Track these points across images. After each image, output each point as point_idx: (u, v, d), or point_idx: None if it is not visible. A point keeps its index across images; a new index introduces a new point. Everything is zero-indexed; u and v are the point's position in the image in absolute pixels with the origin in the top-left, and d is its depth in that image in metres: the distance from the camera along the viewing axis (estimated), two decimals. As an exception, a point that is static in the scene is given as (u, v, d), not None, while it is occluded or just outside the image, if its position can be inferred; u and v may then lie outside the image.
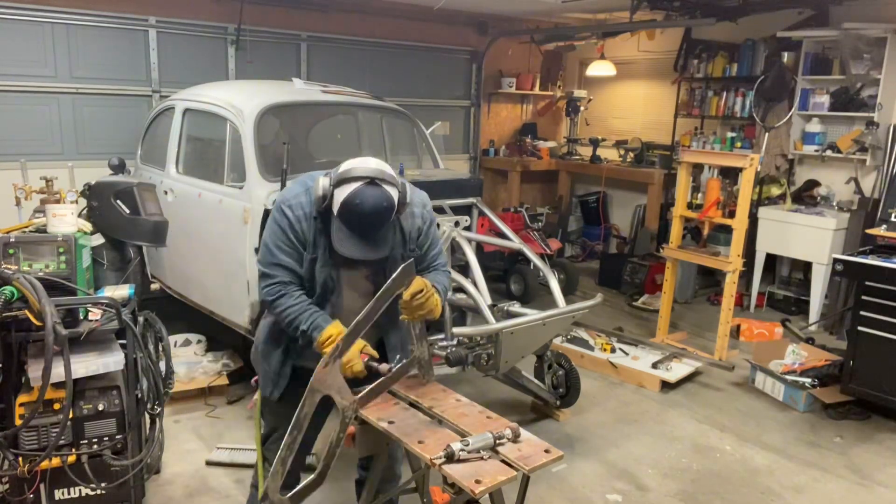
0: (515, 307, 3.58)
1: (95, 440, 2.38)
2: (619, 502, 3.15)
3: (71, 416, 2.28)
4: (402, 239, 2.24)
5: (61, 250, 2.33)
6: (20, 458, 2.24)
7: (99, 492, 2.41)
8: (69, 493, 2.40)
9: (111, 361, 2.36)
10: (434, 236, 2.35)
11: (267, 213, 3.49)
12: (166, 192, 4.17)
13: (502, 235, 4.28)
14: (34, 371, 2.21)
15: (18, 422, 2.24)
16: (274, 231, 2.19)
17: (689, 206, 5.04)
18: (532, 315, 3.35)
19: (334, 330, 2.09)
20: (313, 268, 2.18)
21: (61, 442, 2.29)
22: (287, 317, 2.15)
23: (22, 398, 2.28)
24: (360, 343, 2.07)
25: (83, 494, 2.41)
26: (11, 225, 2.64)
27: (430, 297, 2.08)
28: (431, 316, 2.11)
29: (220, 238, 3.78)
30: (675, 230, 5.06)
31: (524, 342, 3.32)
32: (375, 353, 2.11)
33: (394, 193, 2.06)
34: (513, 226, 5.51)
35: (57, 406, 2.29)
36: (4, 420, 2.29)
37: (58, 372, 2.12)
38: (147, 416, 2.60)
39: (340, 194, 2.03)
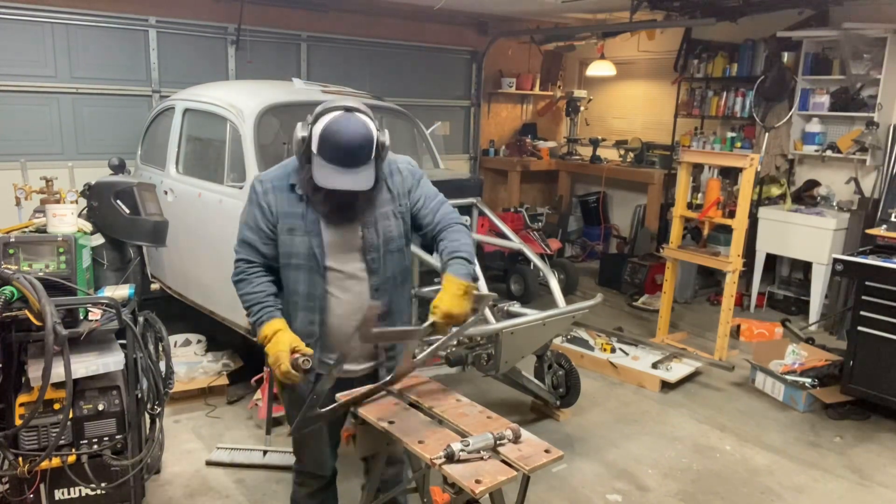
0: (515, 307, 3.58)
1: (95, 440, 2.38)
2: (619, 502, 3.15)
3: (71, 416, 2.28)
4: (391, 196, 2.19)
5: (61, 250, 2.33)
6: (20, 458, 2.24)
7: (99, 492, 2.40)
8: (69, 493, 2.40)
9: (111, 361, 2.36)
10: (428, 189, 2.27)
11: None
12: (166, 192, 4.17)
13: (502, 235, 4.28)
14: (34, 371, 2.21)
15: (18, 422, 2.24)
16: (244, 209, 2.20)
17: (689, 206, 5.04)
18: (532, 315, 3.35)
19: (268, 330, 2.05)
20: (292, 239, 2.12)
21: (61, 442, 2.29)
22: (244, 304, 2.14)
23: (22, 398, 2.28)
24: (290, 339, 2.04)
25: (83, 494, 2.41)
26: (11, 225, 2.64)
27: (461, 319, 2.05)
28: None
29: (220, 238, 3.78)
30: (675, 230, 5.06)
31: (524, 342, 3.32)
32: (309, 351, 2.03)
33: (371, 126, 2.01)
34: (513, 226, 5.52)
35: (57, 406, 2.29)
36: (4, 420, 2.29)
37: (58, 372, 2.11)
38: (147, 416, 2.60)
39: (318, 128, 1.98)
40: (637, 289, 6.26)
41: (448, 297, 2.03)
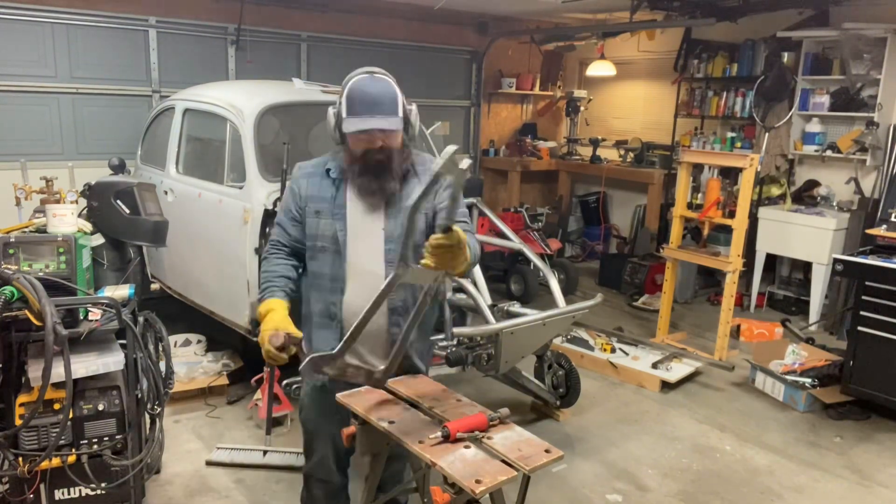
0: (515, 307, 3.58)
1: (95, 440, 2.37)
2: (620, 502, 3.15)
3: (71, 416, 2.28)
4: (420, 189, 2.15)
5: (61, 250, 2.32)
6: (20, 459, 2.24)
7: (99, 492, 2.40)
8: (69, 494, 2.40)
9: (111, 361, 2.35)
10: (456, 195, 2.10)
11: (267, 213, 3.50)
12: (166, 192, 4.17)
13: (502, 235, 4.28)
14: (34, 371, 2.21)
15: (18, 422, 2.23)
16: (283, 199, 2.32)
17: (690, 206, 5.04)
18: (532, 315, 3.35)
19: (263, 308, 2.10)
20: (318, 222, 2.19)
21: (61, 442, 2.29)
22: (260, 283, 2.24)
23: (22, 398, 2.27)
24: (279, 319, 2.05)
25: (83, 494, 2.40)
26: (11, 225, 2.64)
27: (461, 251, 1.82)
28: (454, 271, 1.86)
29: (220, 238, 3.78)
30: (675, 230, 5.06)
31: (524, 342, 3.32)
32: (297, 334, 2.03)
33: (395, 85, 2.11)
34: (513, 226, 5.52)
35: (57, 406, 2.28)
36: (4, 420, 2.28)
37: (58, 372, 2.11)
38: (147, 416, 2.60)
39: (344, 93, 2.09)
40: (637, 289, 6.27)
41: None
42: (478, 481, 1.65)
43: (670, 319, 5.20)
